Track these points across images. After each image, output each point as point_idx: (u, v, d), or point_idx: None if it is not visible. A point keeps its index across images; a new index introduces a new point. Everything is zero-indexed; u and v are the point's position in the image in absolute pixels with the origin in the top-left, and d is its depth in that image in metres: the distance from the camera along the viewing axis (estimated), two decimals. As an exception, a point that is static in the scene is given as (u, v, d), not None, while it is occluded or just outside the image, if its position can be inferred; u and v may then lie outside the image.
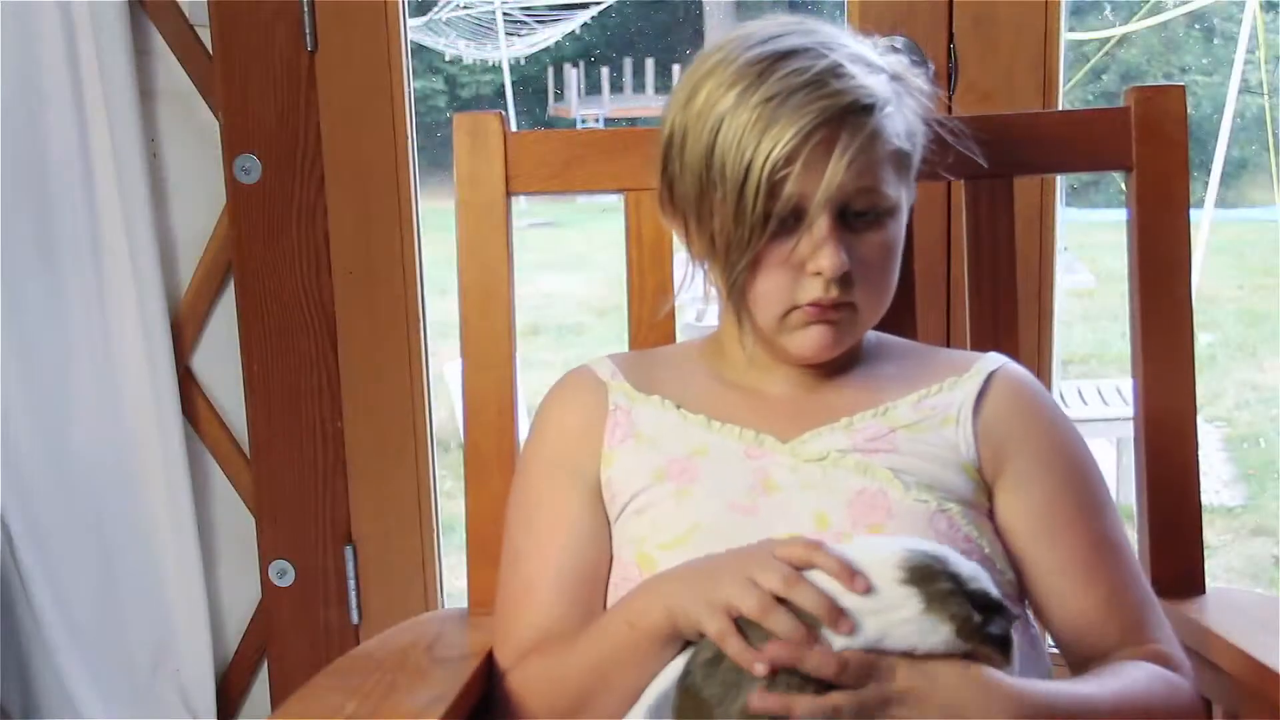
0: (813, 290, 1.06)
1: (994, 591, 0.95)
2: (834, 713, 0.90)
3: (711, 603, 0.95)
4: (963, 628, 0.93)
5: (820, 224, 1.03)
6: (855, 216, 1.06)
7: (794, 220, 1.04)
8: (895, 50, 1.12)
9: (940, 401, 1.12)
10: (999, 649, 0.95)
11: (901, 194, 1.09)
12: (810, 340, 1.09)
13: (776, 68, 1.03)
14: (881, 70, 1.08)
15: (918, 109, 1.11)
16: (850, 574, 0.94)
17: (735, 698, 0.93)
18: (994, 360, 1.16)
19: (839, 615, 0.93)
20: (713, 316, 1.20)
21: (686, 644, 0.99)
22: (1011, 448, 1.11)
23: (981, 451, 1.10)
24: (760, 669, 0.92)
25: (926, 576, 0.93)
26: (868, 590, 0.93)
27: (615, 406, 1.15)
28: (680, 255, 1.33)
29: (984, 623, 0.94)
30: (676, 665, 0.99)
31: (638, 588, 1.05)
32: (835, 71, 1.03)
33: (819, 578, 0.95)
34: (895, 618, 0.93)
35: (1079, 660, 1.09)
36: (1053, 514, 1.10)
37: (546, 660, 1.09)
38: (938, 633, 0.93)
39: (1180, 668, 1.08)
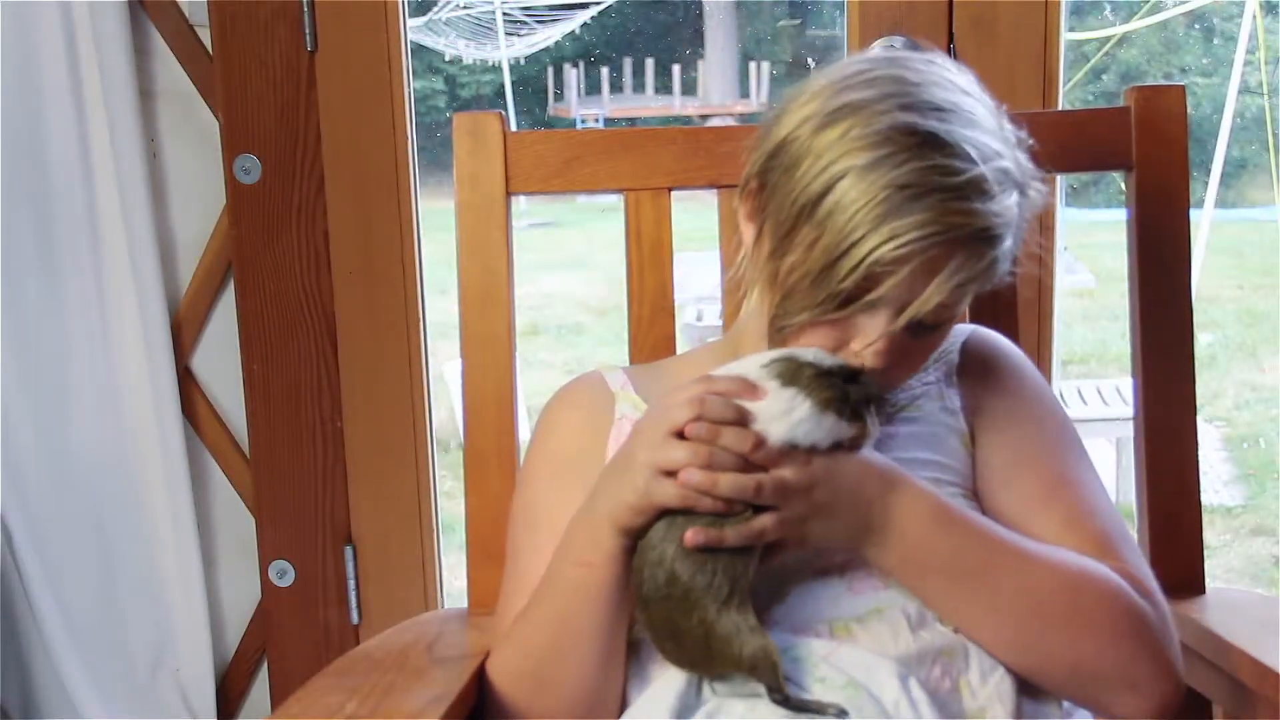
0: None
1: (843, 360, 1.00)
2: (756, 490, 0.94)
3: (648, 476, 0.95)
4: (840, 409, 0.97)
5: (891, 330, 1.00)
6: (920, 324, 1.01)
7: (867, 306, 1.00)
8: (1028, 146, 1.05)
9: (922, 379, 1.14)
10: (877, 408, 1.00)
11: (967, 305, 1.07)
12: None
13: (924, 154, 0.96)
14: (1015, 187, 1.01)
15: (1024, 227, 1.05)
16: (748, 385, 0.97)
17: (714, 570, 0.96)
18: (962, 330, 1.18)
19: (748, 415, 0.95)
20: (713, 316, 1.20)
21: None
22: (984, 405, 1.13)
23: (969, 419, 1.12)
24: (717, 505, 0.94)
25: (795, 374, 0.97)
26: (764, 395, 0.97)
27: (622, 416, 1.16)
28: (683, 254, 1.33)
29: (854, 396, 0.98)
30: (678, 677, 0.99)
31: (566, 535, 1.03)
32: (980, 187, 0.96)
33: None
34: (794, 418, 0.96)
35: None
36: (1014, 459, 1.11)
37: (509, 638, 1.09)
38: (826, 422, 0.97)
39: (1144, 589, 1.04)
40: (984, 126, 1.00)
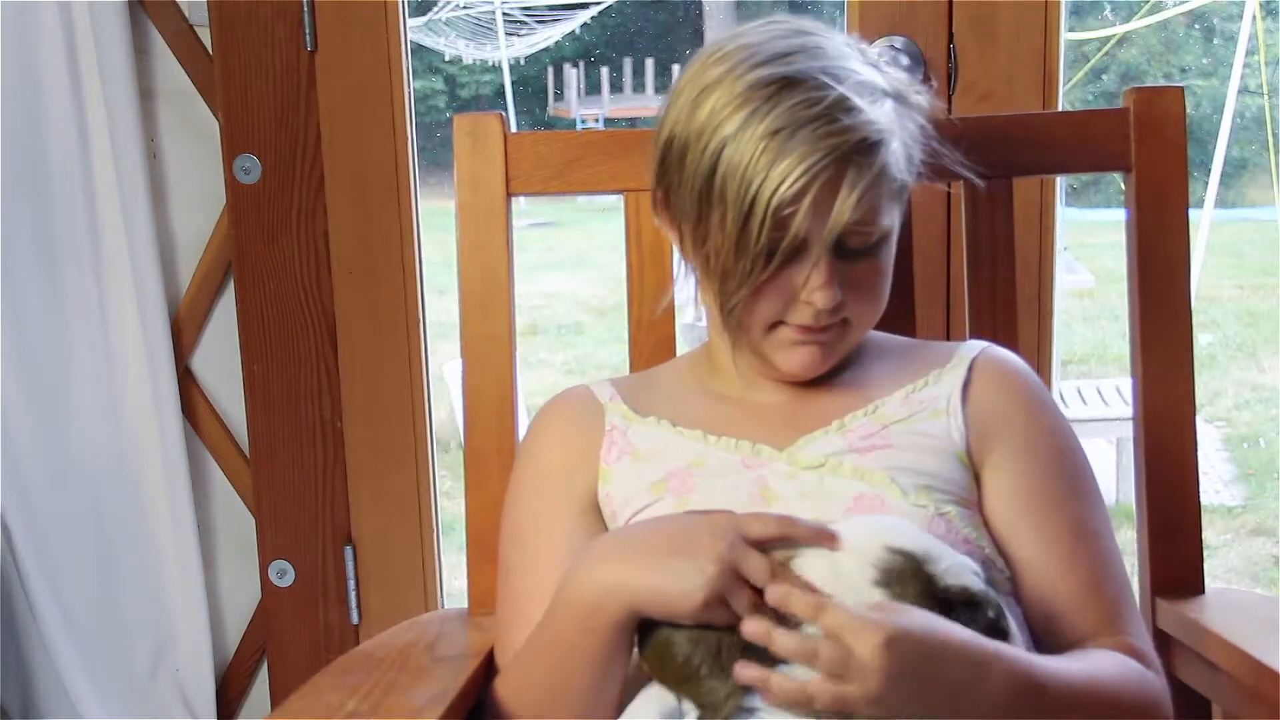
0: (804, 316, 1.07)
1: (975, 585, 0.95)
2: (811, 657, 0.90)
3: (706, 591, 0.94)
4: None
5: (819, 260, 1.04)
6: (850, 248, 1.06)
7: (793, 253, 1.04)
8: (895, 53, 1.11)
9: (928, 395, 1.13)
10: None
11: (895, 218, 1.09)
12: (799, 359, 1.10)
13: (783, 96, 1.01)
14: (885, 95, 1.07)
15: (917, 132, 1.10)
16: (829, 536, 0.96)
17: (717, 664, 0.94)
18: (974, 347, 1.18)
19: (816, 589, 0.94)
20: (712, 317, 1.20)
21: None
22: (997, 430, 1.12)
23: (971, 439, 1.11)
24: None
25: (899, 578, 0.93)
26: (840, 545, 0.95)
27: (612, 426, 1.16)
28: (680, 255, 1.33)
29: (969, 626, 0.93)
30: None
31: (572, 580, 1.00)
32: (844, 105, 1.02)
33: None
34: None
35: (1050, 648, 1.08)
36: (1037, 497, 1.10)
37: (514, 665, 1.09)
38: None
39: (1150, 664, 1.07)
40: (831, 55, 1.06)
